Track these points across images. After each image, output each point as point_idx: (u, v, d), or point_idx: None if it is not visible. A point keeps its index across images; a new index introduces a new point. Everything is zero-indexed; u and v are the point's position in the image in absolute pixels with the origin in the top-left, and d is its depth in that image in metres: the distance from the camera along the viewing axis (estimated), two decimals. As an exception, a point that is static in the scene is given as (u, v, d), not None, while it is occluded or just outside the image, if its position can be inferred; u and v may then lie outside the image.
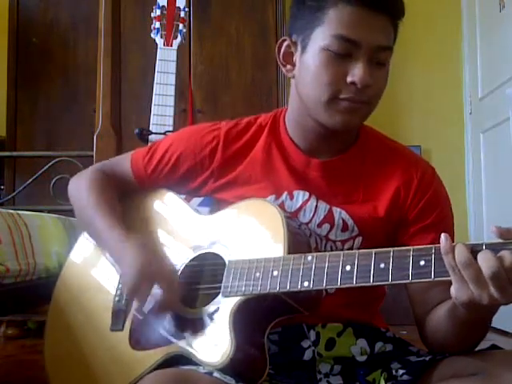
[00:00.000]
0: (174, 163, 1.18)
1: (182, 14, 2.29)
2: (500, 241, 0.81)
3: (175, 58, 2.26)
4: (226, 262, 1.02)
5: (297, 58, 1.09)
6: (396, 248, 0.89)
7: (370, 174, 1.13)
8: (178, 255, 1.10)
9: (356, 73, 1.01)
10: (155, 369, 0.98)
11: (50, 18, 3.53)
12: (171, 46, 2.27)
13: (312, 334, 1.07)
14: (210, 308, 0.99)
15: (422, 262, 0.85)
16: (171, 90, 2.24)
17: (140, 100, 2.97)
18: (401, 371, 1.02)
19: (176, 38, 2.27)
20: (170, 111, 2.23)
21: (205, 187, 1.18)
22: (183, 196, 1.20)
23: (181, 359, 0.98)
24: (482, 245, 0.82)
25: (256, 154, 1.15)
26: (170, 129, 2.20)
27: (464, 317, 0.91)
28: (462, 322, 0.94)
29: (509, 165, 3.02)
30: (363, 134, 1.16)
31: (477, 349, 1.01)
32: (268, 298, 0.98)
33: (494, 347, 1.02)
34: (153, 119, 2.22)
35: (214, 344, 0.95)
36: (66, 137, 3.38)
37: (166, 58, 2.26)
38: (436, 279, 0.84)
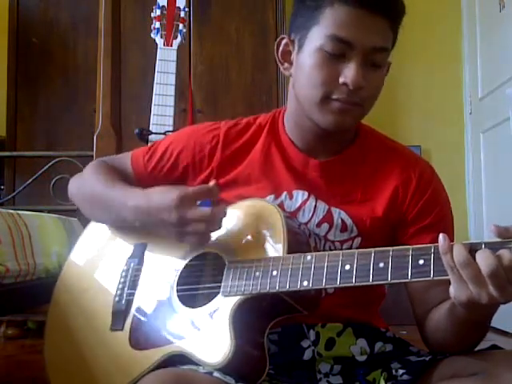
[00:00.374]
0: (173, 162, 1.18)
1: (182, 14, 2.29)
2: (499, 240, 0.81)
3: (175, 58, 2.26)
4: (226, 262, 1.02)
5: (294, 56, 1.10)
6: (395, 247, 0.89)
7: (368, 174, 1.13)
8: (178, 255, 1.10)
9: (348, 74, 1.01)
10: (155, 369, 0.98)
11: (50, 18, 3.53)
12: (171, 46, 2.27)
13: (312, 334, 1.07)
14: (210, 308, 0.99)
15: (421, 261, 0.85)
16: (171, 90, 2.24)
17: (140, 100, 2.97)
18: (401, 371, 1.02)
19: (176, 37, 2.27)
20: (170, 111, 2.23)
21: (204, 187, 1.18)
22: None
23: (181, 359, 0.98)
24: (480, 244, 0.82)
25: (255, 154, 1.15)
26: (170, 129, 2.20)
27: (463, 316, 0.91)
28: (461, 322, 0.94)
29: (509, 165, 3.02)
30: (362, 133, 1.16)
31: (477, 349, 1.01)
32: (267, 297, 0.98)
33: (494, 347, 1.01)
34: (153, 119, 2.22)
35: (213, 344, 0.95)
36: (66, 137, 3.38)
37: (166, 58, 2.26)
38: (435, 278, 0.84)
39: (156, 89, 2.23)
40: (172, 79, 2.25)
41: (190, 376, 0.91)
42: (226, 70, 3.47)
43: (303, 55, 1.06)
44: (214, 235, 1.07)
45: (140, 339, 1.05)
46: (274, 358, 1.01)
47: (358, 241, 1.09)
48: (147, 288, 1.09)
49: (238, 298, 0.97)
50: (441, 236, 0.83)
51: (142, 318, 1.07)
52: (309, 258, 0.94)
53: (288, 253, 0.96)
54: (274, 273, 0.95)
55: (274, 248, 0.98)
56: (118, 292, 1.12)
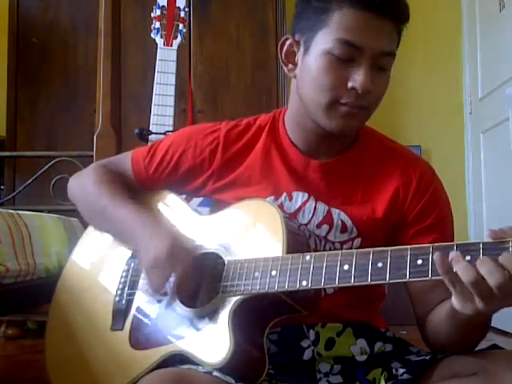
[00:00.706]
0: (174, 165, 1.18)
1: (182, 14, 2.29)
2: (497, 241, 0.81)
3: (175, 58, 2.26)
4: (226, 262, 1.02)
5: (299, 58, 1.09)
6: (393, 247, 0.89)
7: (369, 175, 1.13)
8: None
9: (357, 78, 1.01)
10: (155, 368, 0.98)
11: (50, 19, 3.53)
12: (171, 45, 2.27)
13: (311, 334, 1.07)
14: (210, 307, 0.99)
15: (420, 261, 0.85)
16: (171, 90, 2.24)
17: (140, 100, 2.96)
18: (401, 370, 1.02)
19: (176, 37, 2.27)
20: (170, 111, 2.23)
21: (205, 188, 1.18)
22: (183, 196, 1.20)
23: (180, 359, 0.98)
24: (478, 244, 0.82)
25: (255, 155, 1.15)
26: (170, 129, 2.20)
27: (464, 319, 0.91)
28: (462, 324, 0.94)
29: (509, 165, 3.01)
30: (363, 134, 1.16)
31: (477, 348, 1.01)
32: (267, 297, 0.98)
33: (494, 347, 1.02)
34: (153, 119, 2.22)
35: (213, 343, 0.96)
36: (66, 137, 3.38)
37: (166, 58, 2.26)
38: (433, 278, 0.84)
39: (156, 89, 2.23)
40: (172, 79, 2.25)
41: (189, 375, 0.91)
42: (225, 70, 3.47)
43: (310, 58, 1.05)
44: (214, 235, 1.07)
45: (140, 339, 1.05)
46: (273, 357, 1.01)
47: (358, 241, 1.09)
48: (147, 288, 1.09)
49: (238, 297, 0.97)
50: (437, 256, 0.82)
51: (142, 318, 1.07)
52: (308, 258, 0.94)
53: (287, 253, 0.97)
54: (273, 273, 0.95)
55: (274, 248, 0.98)
56: (119, 292, 1.12)
